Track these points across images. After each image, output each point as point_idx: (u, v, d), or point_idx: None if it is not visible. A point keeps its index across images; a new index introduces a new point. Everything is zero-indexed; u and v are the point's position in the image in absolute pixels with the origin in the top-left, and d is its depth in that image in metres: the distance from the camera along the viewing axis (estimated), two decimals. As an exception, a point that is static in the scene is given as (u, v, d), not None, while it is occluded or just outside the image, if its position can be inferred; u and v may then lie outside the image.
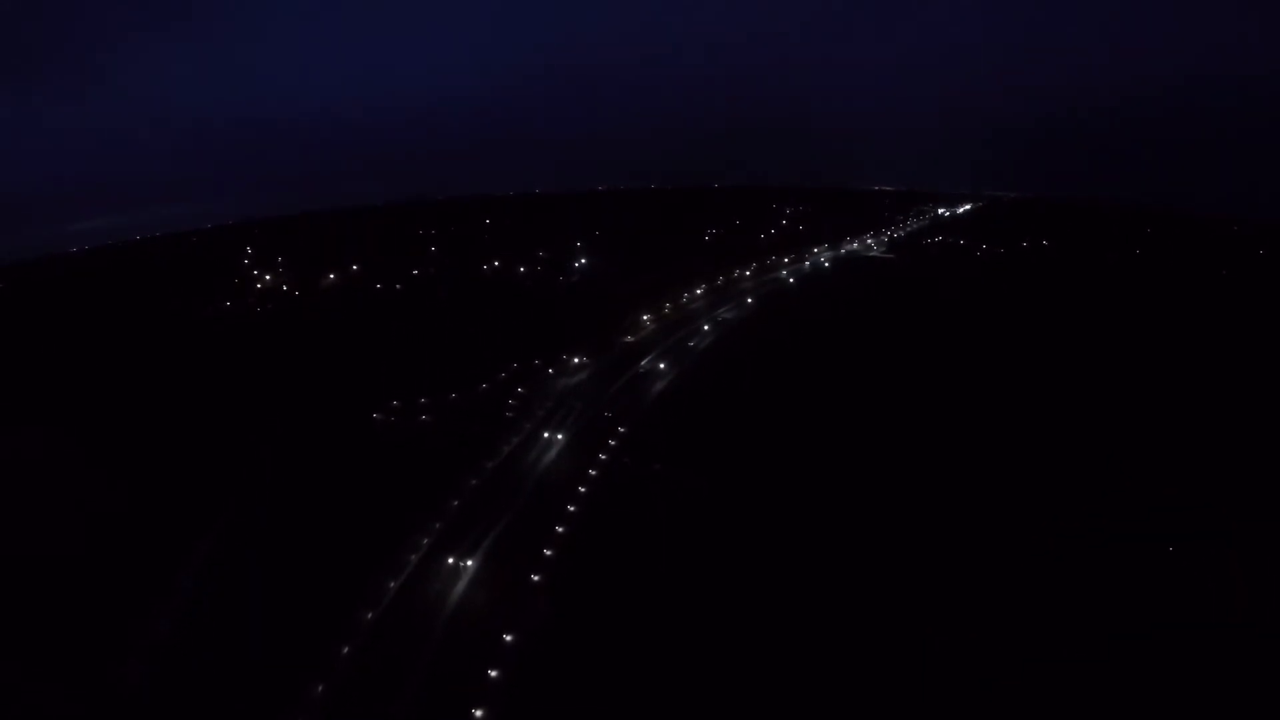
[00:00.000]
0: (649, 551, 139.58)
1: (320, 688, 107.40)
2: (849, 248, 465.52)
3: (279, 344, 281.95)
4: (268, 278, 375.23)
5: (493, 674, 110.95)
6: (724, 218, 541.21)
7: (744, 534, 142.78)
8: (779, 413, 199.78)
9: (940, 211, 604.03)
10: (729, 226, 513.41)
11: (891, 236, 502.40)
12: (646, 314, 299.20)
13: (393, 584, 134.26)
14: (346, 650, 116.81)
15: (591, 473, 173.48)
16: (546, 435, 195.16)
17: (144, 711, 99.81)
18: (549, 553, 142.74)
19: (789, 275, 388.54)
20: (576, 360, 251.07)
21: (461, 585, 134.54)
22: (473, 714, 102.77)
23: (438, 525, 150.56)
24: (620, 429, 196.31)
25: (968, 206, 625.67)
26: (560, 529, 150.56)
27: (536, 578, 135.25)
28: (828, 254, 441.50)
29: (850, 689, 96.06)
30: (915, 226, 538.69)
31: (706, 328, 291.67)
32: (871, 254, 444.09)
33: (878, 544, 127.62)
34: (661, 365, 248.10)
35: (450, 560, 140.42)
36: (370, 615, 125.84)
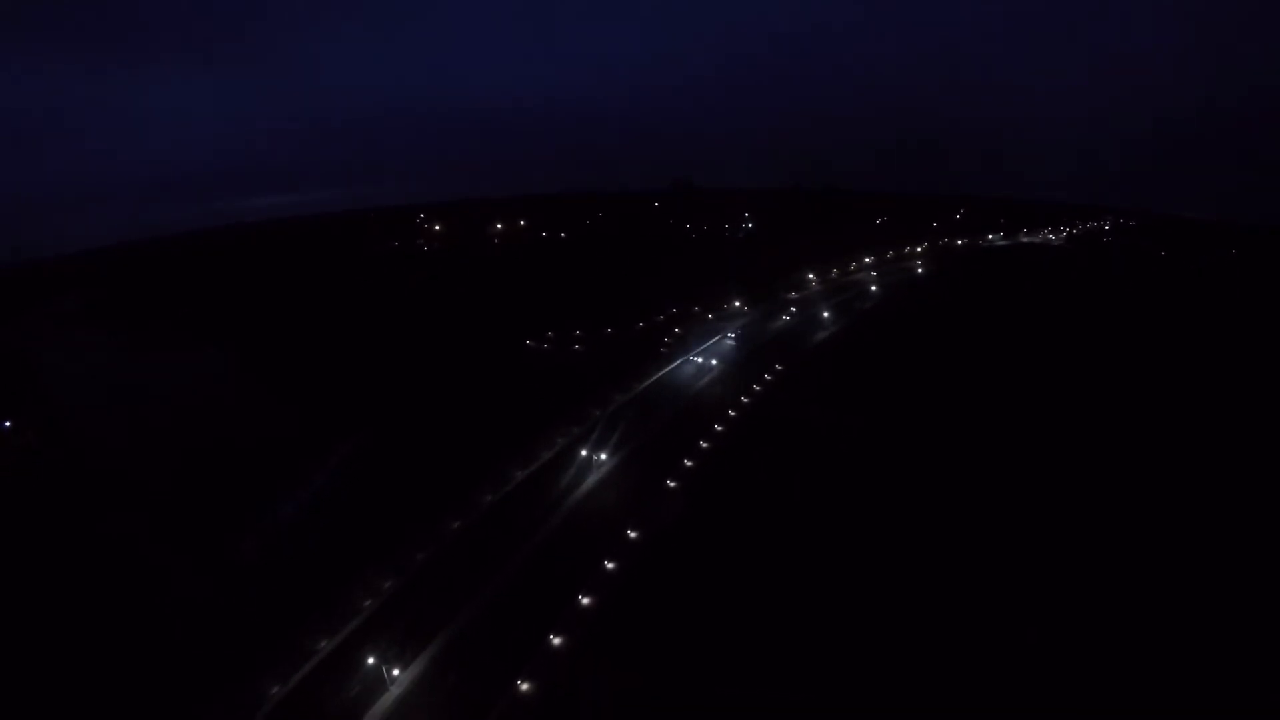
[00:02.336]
0: (786, 472, 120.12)
1: (424, 557, 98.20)
2: (1025, 238, 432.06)
3: (450, 287, 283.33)
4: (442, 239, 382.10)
5: (609, 565, 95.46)
6: (901, 211, 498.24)
7: (880, 471, 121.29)
8: (930, 370, 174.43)
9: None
10: (908, 218, 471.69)
11: (1070, 232, 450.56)
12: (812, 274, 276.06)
13: (520, 473, 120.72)
14: (458, 525, 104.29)
15: (744, 400, 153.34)
16: (699, 362, 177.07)
17: (256, 583, 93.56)
18: (689, 463, 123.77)
19: (959, 255, 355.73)
20: (738, 305, 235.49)
21: (592, 480, 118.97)
22: (578, 600, 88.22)
23: (576, 430, 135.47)
24: (778, 367, 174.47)
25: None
26: (704, 444, 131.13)
27: (672, 483, 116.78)
28: (1000, 241, 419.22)
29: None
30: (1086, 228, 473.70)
31: (874, 289, 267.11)
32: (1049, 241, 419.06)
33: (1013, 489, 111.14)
34: (823, 316, 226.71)
35: (584, 453, 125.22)
36: (490, 498, 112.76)
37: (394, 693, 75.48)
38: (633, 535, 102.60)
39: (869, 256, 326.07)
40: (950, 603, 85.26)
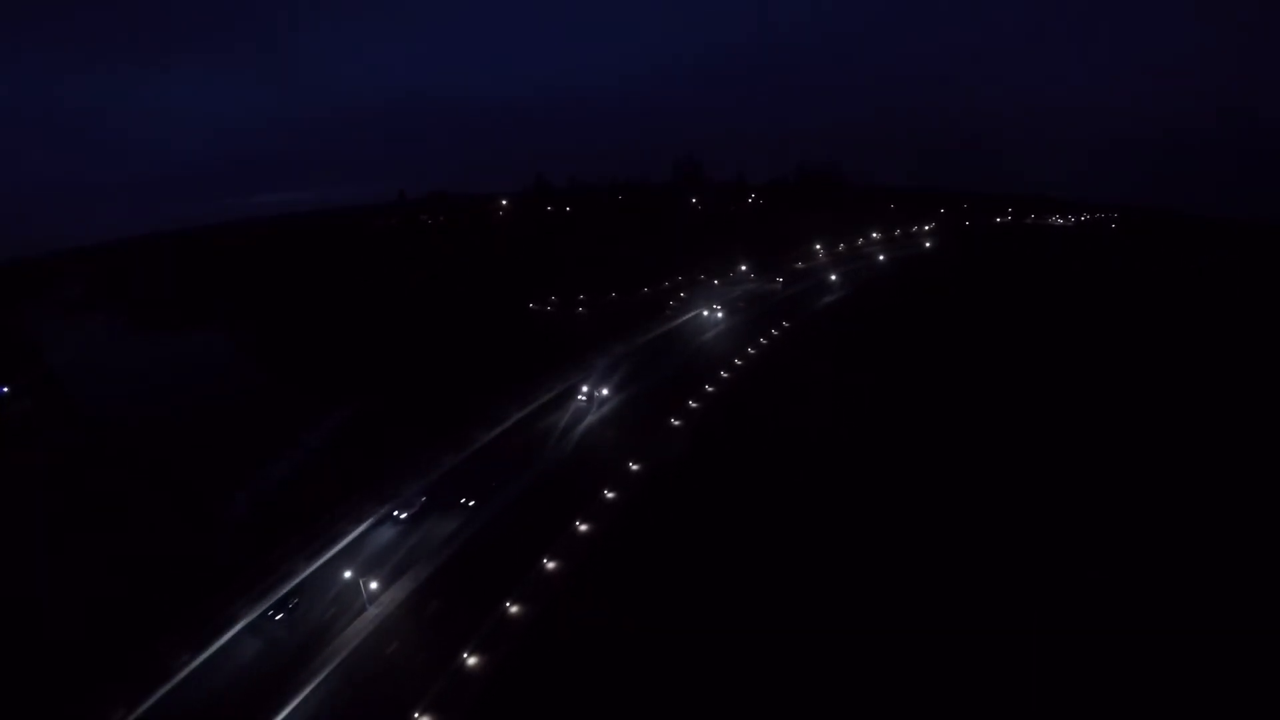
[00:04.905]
0: (788, 419, 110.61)
1: (420, 494, 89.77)
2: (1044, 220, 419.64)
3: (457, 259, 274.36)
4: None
5: (609, 495, 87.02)
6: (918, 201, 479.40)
7: (889, 424, 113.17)
8: (932, 333, 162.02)
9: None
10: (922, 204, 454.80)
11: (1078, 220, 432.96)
12: (820, 247, 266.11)
13: (516, 414, 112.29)
14: (449, 461, 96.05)
15: (750, 351, 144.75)
16: (705, 316, 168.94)
17: (241, 540, 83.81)
18: (694, 404, 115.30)
19: (970, 234, 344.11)
20: (744, 270, 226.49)
21: (593, 418, 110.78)
22: (576, 527, 79.70)
23: (577, 376, 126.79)
24: (785, 324, 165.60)
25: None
26: (709, 388, 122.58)
27: (676, 422, 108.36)
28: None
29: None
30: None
31: (881, 258, 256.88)
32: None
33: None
34: (831, 280, 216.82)
35: (583, 395, 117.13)
36: (485, 436, 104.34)
37: (373, 612, 67.29)
38: (635, 468, 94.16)
39: (877, 234, 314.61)
40: (940, 539, 76.80)
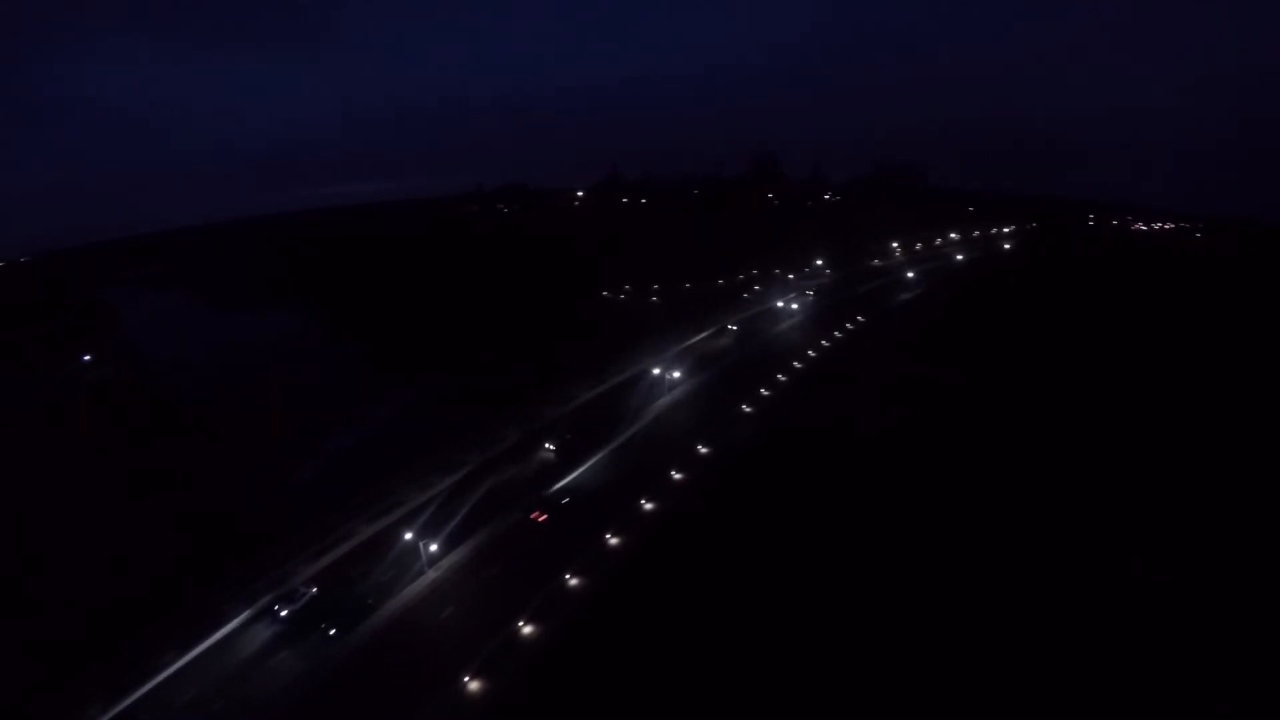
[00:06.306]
0: (857, 411, 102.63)
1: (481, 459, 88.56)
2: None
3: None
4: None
5: (676, 476, 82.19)
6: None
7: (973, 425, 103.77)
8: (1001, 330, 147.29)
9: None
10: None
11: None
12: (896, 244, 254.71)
13: (586, 394, 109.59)
14: (517, 435, 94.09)
15: (824, 343, 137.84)
16: (779, 307, 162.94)
17: (303, 503, 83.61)
18: (765, 392, 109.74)
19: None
20: (820, 264, 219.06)
21: (664, 401, 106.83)
22: (640, 504, 75.64)
23: (650, 360, 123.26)
24: (859, 319, 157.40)
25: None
26: (781, 377, 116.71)
27: (748, 409, 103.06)
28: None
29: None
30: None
31: (959, 258, 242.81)
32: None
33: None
34: (908, 277, 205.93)
35: (656, 371, 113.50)
36: (553, 413, 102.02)
37: (431, 575, 64.91)
38: (703, 450, 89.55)
39: (955, 235, 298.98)
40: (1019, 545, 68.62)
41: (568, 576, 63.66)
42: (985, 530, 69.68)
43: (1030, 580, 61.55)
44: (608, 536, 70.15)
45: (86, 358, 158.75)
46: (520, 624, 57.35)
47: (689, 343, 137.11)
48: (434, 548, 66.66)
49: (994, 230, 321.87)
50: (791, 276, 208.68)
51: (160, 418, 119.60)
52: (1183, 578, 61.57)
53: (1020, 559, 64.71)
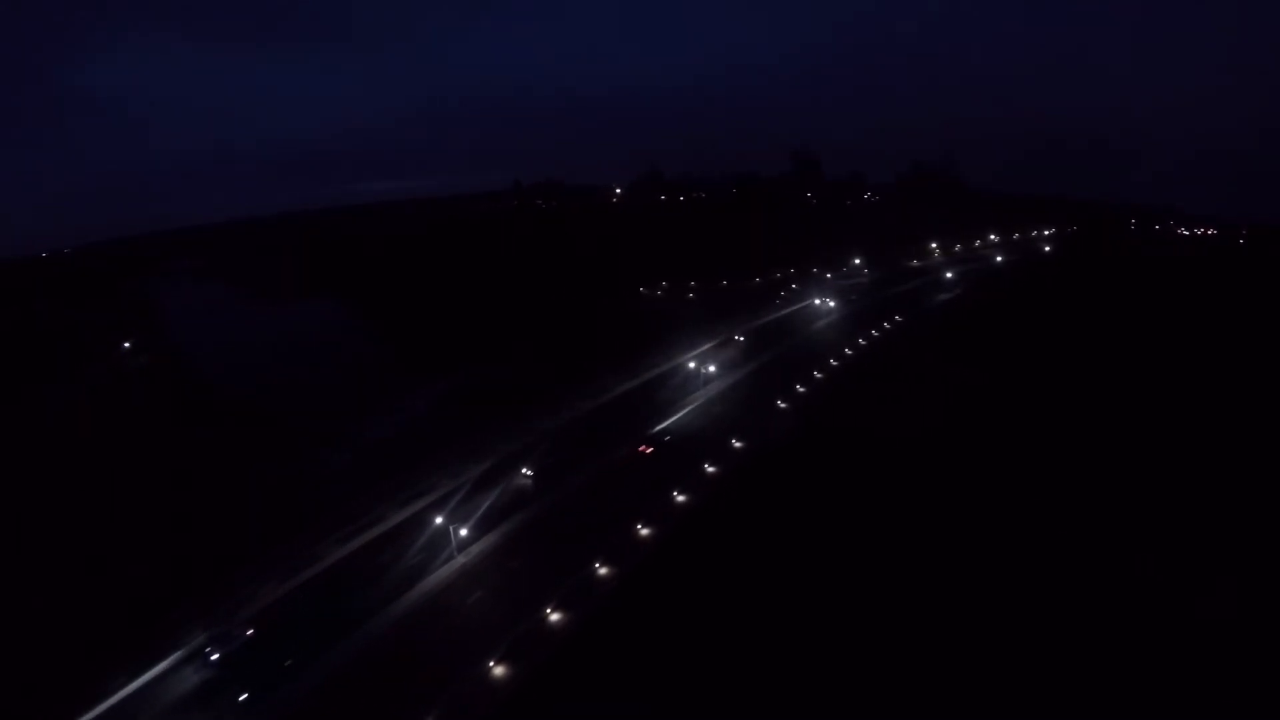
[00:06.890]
0: (892, 409, 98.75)
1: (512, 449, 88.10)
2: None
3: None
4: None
5: (709, 469, 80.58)
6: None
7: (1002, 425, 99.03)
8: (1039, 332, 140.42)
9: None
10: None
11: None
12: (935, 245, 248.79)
13: (621, 387, 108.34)
14: (549, 426, 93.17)
15: (860, 341, 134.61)
16: (816, 305, 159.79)
17: (339, 487, 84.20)
18: (801, 389, 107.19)
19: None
20: (858, 264, 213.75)
21: (702, 395, 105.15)
22: (673, 496, 74.43)
23: (684, 354, 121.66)
24: (897, 317, 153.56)
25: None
26: (817, 374, 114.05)
27: (783, 404, 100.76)
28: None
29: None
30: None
31: (998, 259, 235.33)
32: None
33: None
34: (947, 278, 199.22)
35: (693, 365, 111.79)
36: (586, 405, 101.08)
37: (460, 561, 64.13)
38: (737, 445, 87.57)
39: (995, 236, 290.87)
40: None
41: (597, 565, 62.15)
42: (997, 532, 66.59)
43: (1038, 582, 59.11)
44: (638, 526, 68.66)
45: (126, 345, 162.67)
46: (548, 611, 56.13)
47: (727, 337, 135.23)
48: (464, 532, 66.01)
49: (1034, 233, 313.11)
50: (829, 276, 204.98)
51: (197, 404, 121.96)
52: (1203, 578, 58.04)
53: (1023, 559, 62.08)
